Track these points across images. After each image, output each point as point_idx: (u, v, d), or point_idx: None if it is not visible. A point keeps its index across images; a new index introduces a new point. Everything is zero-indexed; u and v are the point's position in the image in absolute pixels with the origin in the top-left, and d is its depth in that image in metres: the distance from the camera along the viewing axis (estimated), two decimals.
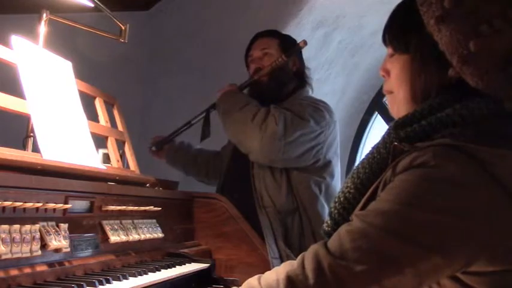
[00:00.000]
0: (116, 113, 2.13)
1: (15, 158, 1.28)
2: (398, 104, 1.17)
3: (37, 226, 1.22)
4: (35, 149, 1.54)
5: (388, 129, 1.12)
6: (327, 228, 1.15)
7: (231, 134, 2.37)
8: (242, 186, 2.34)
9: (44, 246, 1.24)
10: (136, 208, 1.71)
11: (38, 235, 1.22)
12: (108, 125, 2.00)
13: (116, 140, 2.01)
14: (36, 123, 1.48)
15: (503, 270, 0.95)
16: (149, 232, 1.74)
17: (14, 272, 1.14)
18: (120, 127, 2.10)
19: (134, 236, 1.64)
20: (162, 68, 3.64)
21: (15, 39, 1.55)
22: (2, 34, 1.63)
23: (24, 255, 1.17)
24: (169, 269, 1.59)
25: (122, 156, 2.04)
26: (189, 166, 2.75)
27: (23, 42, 1.58)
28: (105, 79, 2.58)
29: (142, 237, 1.68)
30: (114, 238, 1.54)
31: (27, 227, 1.19)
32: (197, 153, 2.76)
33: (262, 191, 2.27)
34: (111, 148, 1.97)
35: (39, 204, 1.23)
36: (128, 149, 2.08)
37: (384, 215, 0.96)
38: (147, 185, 2.03)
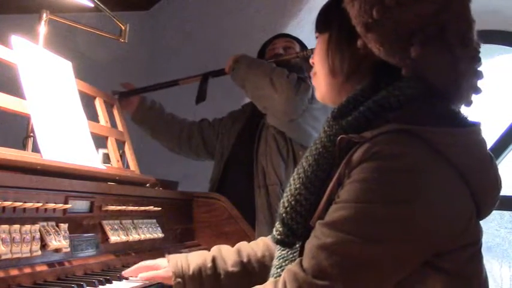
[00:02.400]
0: (116, 113, 2.13)
1: (15, 158, 1.28)
2: (320, 82, 1.18)
3: (37, 226, 1.22)
4: (35, 149, 1.54)
5: (327, 120, 1.10)
6: (278, 236, 1.08)
7: (257, 85, 2.30)
8: (246, 168, 2.34)
9: (44, 246, 1.24)
10: (136, 208, 1.71)
11: (38, 235, 1.22)
12: (108, 125, 2.00)
13: (116, 140, 2.01)
14: (36, 123, 1.48)
15: (460, 246, 0.97)
16: (149, 232, 1.74)
17: (14, 272, 1.14)
18: (120, 127, 2.10)
19: (134, 236, 1.64)
20: (162, 68, 3.64)
21: (15, 39, 1.55)
22: (2, 34, 1.63)
23: (24, 255, 1.17)
24: None
25: (122, 156, 2.04)
26: (159, 130, 2.66)
27: (23, 42, 1.58)
28: (105, 79, 2.58)
29: (142, 237, 1.68)
30: (114, 238, 1.54)
31: (27, 227, 1.19)
32: (170, 118, 2.68)
33: (268, 167, 2.26)
34: (111, 148, 1.97)
35: (39, 204, 1.23)
36: (127, 149, 2.08)
37: (351, 220, 0.94)
38: (147, 185, 2.03)
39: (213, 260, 1.34)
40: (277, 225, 1.09)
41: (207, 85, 2.52)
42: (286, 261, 1.10)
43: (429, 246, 0.95)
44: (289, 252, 1.10)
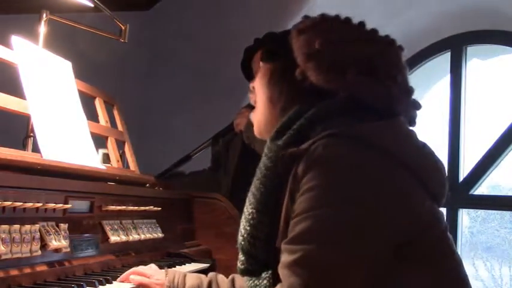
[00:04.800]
0: (116, 113, 2.13)
1: (15, 158, 1.29)
2: (259, 112, 1.23)
3: (37, 226, 1.22)
4: (35, 149, 1.54)
5: (266, 145, 1.14)
6: (241, 266, 1.10)
7: None
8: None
9: (44, 246, 1.24)
10: (136, 208, 1.71)
11: (38, 235, 1.22)
12: (108, 125, 2.00)
13: (116, 140, 2.01)
14: (36, 123, 1.48)
15: (422, 230, 0.99)
16: (149, 232, 1.74)
17: (14, 272, 1.14)
18: (120, 127, 2.10)
19: (134, 236, 1.64)
20: (162, 68, 3.64)
21: (15, 39, 1.55)
22: (2, 34, 1.63)
23: (24, 255, 1.17)
24: None
25: (122, 156, 2.04)
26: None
27: (23, 42, 1.58)
28: (105, 79, 2.58)
29: (142, 237, 1.68)
30: (114, 238, 1.54)
31: (27, 227, 1.19)
32: (192, 177, 2.64)
33: None
34: (111, 148, 1.97)
35: (39, 204, 1.23)
36: (127, 149, 2.08)
37: (310, 230, 0.95)
38: (147, 185, 2.03)
39: (209, 285, 1.38)
40: (240, 255, 1.10)
41: (220, 147, 2.48)
42: None
43: (390, 236, 0.96)
44: (260, 279, 1.11)
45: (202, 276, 1.41)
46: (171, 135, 3.41)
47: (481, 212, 3.32)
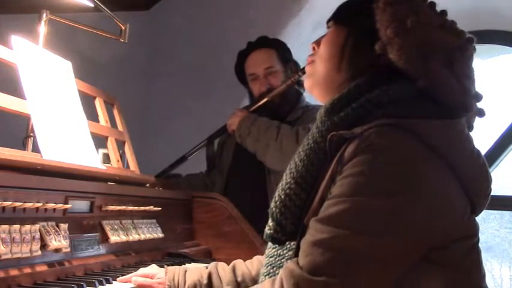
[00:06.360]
0: (116, 113, 2.13)
1: (15, 158, 1.29)
2: (318, 72, 1.18)
3: (37, 226, 1.23)
4: (35, 149, 1.54)
5: (320, 116, 1.11)
6: (268, 231, 1.08)
7: (272, 162, 2.23)
8: (253, 186, 2.30)
9: (44, 246, 1.24)
10: (136, 208, 1.71)
11: (38, 235, 1.22)
12: (108, 125, 2.00)
13: (116, 140, 2.01)
14: (36, 123, 1.48)
15: (456, 239, 0.98)
16: (149, 232, 1.74)
17: (14, 272, 1.14)
18: (120, 127, 2.10)
19: (134, 236, 1.64)
20: (162, 68, 3.64)
21: (15, 39, 1.55)
22: (2, 34, 1.63)
23: (24, 255, 1.17)
24: None
25: (122, 156, 2.04)
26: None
27: (23, 42, 1.58)
28: (105, 79, 2.58)
29: (142, 237, 1.68)
30: (114, 238, 1.54)
31: (27, 227, 1.19)
32: (188, 178, 2.63)
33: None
34: (111, 148, 1.97)
35: (39, 204, 1.23)
36: (127, 149, 2.08)
37: (345, 214, 0.93)
38: (147, 185, 2.03)
39: (209, 277, 1.37)
40: (269, 221, 1.09)
41: (214, 148, 2.48)
42: (277, 259, 1.10)
43: (425, 238, 0.95)
44: (284, 250, 1.10)
45: (203, 269, 1.40)
46: (172, 135, 3.41)
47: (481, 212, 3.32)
